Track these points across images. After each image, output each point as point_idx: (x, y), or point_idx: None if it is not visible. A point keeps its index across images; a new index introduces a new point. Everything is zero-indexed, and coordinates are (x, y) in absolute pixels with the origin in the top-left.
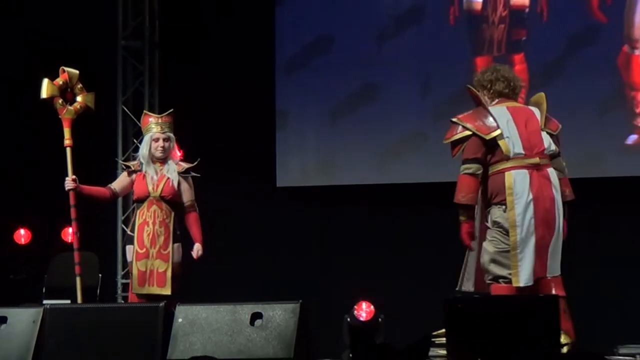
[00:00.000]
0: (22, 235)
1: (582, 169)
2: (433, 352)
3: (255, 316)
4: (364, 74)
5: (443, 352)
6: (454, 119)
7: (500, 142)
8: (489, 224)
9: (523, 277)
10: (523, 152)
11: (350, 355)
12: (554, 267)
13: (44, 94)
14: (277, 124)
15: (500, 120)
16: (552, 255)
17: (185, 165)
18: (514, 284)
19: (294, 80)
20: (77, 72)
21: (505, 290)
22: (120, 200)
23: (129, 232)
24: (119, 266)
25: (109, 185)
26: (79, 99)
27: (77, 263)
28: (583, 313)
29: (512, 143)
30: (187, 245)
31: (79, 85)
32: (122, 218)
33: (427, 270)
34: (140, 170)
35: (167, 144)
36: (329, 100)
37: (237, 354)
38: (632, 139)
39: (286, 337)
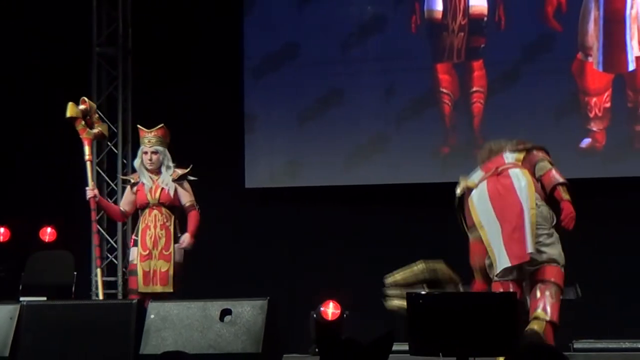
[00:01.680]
0: (1, 233)
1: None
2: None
3: (225, 312)
4: (329, 79)
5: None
6: None
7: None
8: None
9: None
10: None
11: (316, 350)
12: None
13: (68, 113)
14: (245, 127)
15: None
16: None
17: (179, 172)
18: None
19: (262, 85)
20: (94, 105)
21: (498, 286)
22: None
23: (133, 237)
24: (94, 264)
25: (119, 205)
26: (97, 127)
27: (98, 257)
28: None
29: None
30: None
31: (96, 116)
32: (97, 218)
33: (391, 268)
34: (140, 181)
35: (154, 157)
36: (296, 105)
37: (208, 348)
38: (585, 142)
39: (254, 332)
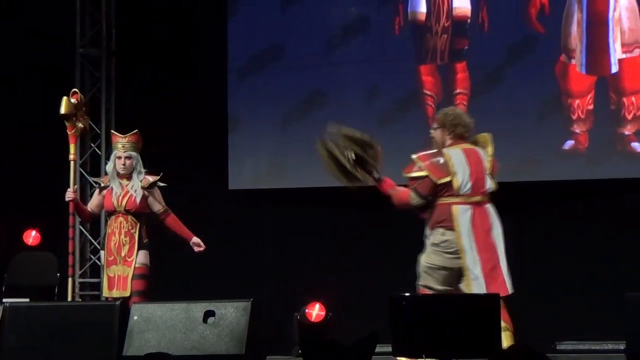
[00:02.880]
0: None
1: (521, 173)
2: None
3: (208, 314)
4: (313, 80)
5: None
6: (414, 157)
7: (454, 181)
8: (429, 242)
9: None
10: (470, 191)
11: (299, 351)
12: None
13: (64, 110)
14: (229, 129)
15: (456, 161)
16: (507, 274)
17: (150, 179)
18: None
19: (246, 86)
20: (83, 97)
21: None
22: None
23: (98, 241)
24: (77, 266)
25: (87, 206)
26: (82, 122)
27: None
28: (523, 311)
29: (463, 183)
30: (158, 251)
31: (84, 109)
32: (79, 220)
33: (375, 269)
34: (109, 186)
35: (128, 162)
36: (280, 106)
37: (191, 350)
38: (568, 144)
39: (238, 334)
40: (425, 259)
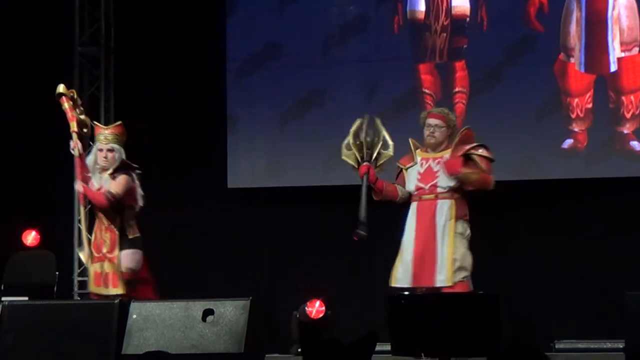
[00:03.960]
0: None
1: (519, 172)
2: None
3: (207, 312)
4: (311, 80)
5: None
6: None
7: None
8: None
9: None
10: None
11: (299, 350)
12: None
13: (60, 90)
14: (228, 128)
15: None
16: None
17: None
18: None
19: (244, 85)
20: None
21: None
22: (76, 201)
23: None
24: (76, 264)
25: None
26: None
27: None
28: (521, 310)
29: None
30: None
31: (81, 109)
32: (79, 218)
33: (373, 268)
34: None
35: (110, 155)
36: (278, 105)
37: (190, 348)
38: (567, 143)
39: (237, 332)
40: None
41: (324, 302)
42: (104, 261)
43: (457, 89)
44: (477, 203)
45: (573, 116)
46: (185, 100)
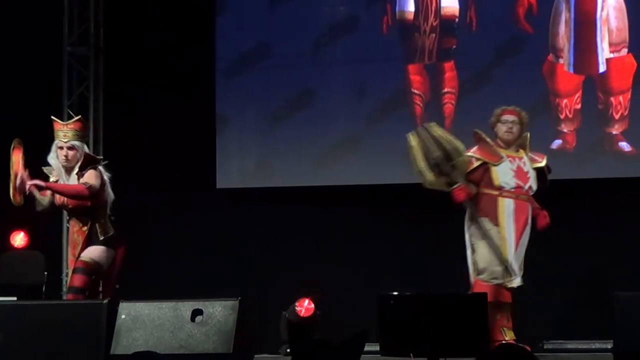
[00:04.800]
0: None
1: None
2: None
3: (196, 312)
4: (300, 80)
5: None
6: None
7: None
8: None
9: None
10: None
11: (288, 350)
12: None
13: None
14: (217, 128)
15: None
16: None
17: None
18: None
19: (234, 85)
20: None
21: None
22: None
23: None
24: (64, 265)
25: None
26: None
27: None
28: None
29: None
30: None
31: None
32: (67, 219)
33: (362, 268)
34: (59, 180)
35: (71, 153)
36: (268, 105)
37: (179, 349)
38: (556, 143)
39: (226, 332)
40: None
41: (313, 301)
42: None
43: (446, 90)
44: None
45: (562, 117)
46: (174, 100)
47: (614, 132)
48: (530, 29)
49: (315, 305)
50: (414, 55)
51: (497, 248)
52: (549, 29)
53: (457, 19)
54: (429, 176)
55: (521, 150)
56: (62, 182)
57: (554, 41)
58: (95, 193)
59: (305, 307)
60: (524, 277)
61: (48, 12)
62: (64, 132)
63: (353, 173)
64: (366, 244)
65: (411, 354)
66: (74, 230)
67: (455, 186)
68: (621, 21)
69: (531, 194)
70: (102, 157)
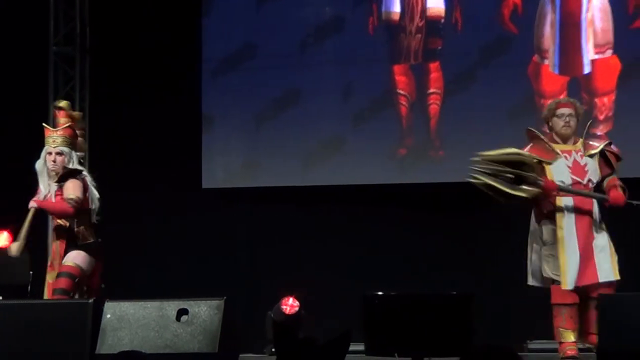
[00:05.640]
0: None
1: None
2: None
3: (181, 312)
4: (286, 80)
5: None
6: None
7: None
8: None
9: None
10: None
11: (273, 349)
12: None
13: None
14: (203, 128)
15: None
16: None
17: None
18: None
19: (220, 85)
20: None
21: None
22: None
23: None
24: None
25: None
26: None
27: None
28: (494, 310)
29: None
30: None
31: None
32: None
33: (348, 268)
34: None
35: (59, 158)
36: (254, 105)
37: (164, 348)
38: None
39: (211, 332)
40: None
41: (297, 299)
42: (54, 270)
43: (431, 90)
44: (452, 204)
45: None
46: (161, 100)
47: (599, 133)
48: (516, 30)
49: (300, 304)
50: (400, 55)
51: (558, 250)
52: (534, 30)
53: (442, 20)
54: (522, 192)
55: (579, 142)
56: (41, 187)
57: (539, 42)
58: (79, 204)
59: (290, 304)
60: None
61: (34, 12)
62: (54, 138)
63: (339, 173)
64: (352, 244)
65: (396, 354)
66: (55, 236)
67: (540, 185)
68: (606, 22)
69: (591, 186)
70: (82, 168)
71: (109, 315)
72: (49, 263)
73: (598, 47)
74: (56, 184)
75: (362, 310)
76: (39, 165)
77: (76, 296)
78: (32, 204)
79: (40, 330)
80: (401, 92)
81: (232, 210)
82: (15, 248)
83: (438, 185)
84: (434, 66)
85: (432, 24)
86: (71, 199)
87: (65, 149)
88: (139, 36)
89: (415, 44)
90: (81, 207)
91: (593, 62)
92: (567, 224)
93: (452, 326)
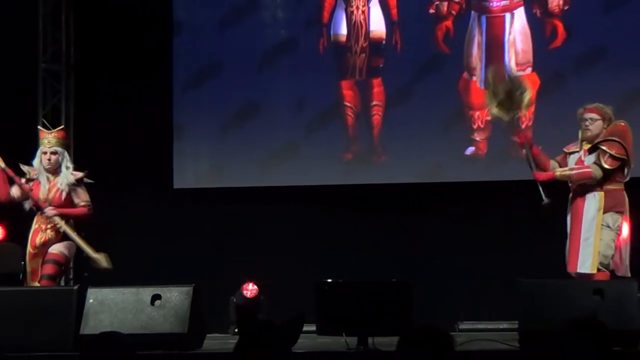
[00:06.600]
0: None
1: (429, 175)
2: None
3: (155, 297)
4: (247, 93)
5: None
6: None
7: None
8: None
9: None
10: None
11: (236, 330)
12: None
13: None
14: (174, 136)
15: None
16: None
17: (78, 174)
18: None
19: (189, 98)
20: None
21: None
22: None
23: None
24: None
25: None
26: None
27: None
28: (428, 295)
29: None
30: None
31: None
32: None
33: (301, 258)
34: (36, 179)
35: (53, 157)
36: (219, 116)
37: (140, 329)
38: (470, 150)
39: (181, 314)
40: None
41: (256, 284)
42: (39, 257)
43: (374, 103)
44: (393, 202)
45: (475, 127)
46: (136, 111)
47: (519, 141)
48: (448, 50)
49: (259, 289)
50: (347, 72)
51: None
52: (464, 51)
53: (384, 41)
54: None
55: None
56: (38, 180)
57: (468, 61)
58: (91, 205)
59: (250, 289)
60: (599, 263)
61: (25, 33)
62: (48, 139)
63: (293, 175)
64: (305, 236)
65: (343, 333)
66: (48, 226)
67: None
68: (526, 44)
69: (590, 182)
70: (85, 172)
71: (91, 300)
72: (33, 251)
73: (519, 65)
74: (62, 178)
75: (314, 295)
76: (35, 163)
77: (62, 282)
78: (53, 212)
79: (31, 314)
80: (348, 104)
81: (200, 207)
82: (104, 262)
83: (379, 186)
84: (376, 82)
85: (375, 45)
86: (88, 204)
87: (59, 149)
88: (118, 55)
89: (360, 62)
90: (67, 205)
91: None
92: (568, 216)
93: (392, 309)
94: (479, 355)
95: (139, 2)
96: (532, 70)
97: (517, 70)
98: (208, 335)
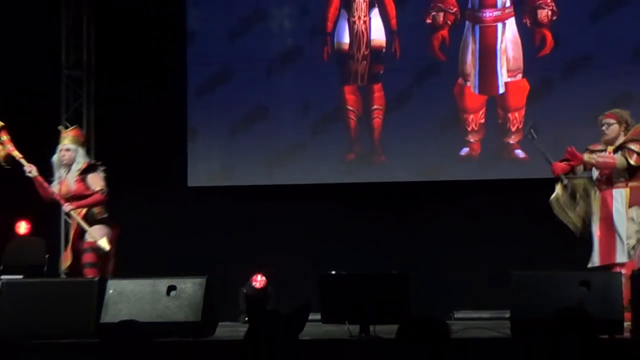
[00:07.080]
0: None
1: (426, 174)
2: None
3: (171, 288)
4: (256, 98)
5: (318, 316)
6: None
7: None
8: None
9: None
10: None
11: (246, 319)
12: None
13: None
14: (188, 138)
15: None
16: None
17: (83, 164)
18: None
19: (202, 103)
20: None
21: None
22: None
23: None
24: (62, 248)
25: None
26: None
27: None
28: (427, 286)
29: None
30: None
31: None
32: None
33: (307, 251)
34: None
35: (67, 154)
36: (230, 119)
37: (156, 317)
38: (464, 151)
39: (195, 304)
40: None
41: (265, 275)
42: (75, 248)
43: (375, 107)
44: (392, 200)
45: (469, 129)
46: (153, 114)
47: (511, 142)
48: (444, 57)
49: (267, 280)
50: (349, 78)
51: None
52: (459, 58)
53: (384, 49)
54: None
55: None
56: (56, 175)
57: (463, 68)
58: (106, 191)
59: (259, 280)
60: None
61: (49, 42)
62: (64, 137)
63: (299, 174)
64: (311, 231)
65: (346, 322)
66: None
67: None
68: (517, 52)
69: (616, 180)
70: (99, 162)
71: (111, 291)
72: (69, 243)
73: (510, 72)
74: (72, 171)
75: (319, 286)
76: (54, 158)
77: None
78: (69, 207)
79: (55, 304)
80: (350, 108)
81: (212, 204)
82: (103, 243)
83: (380, 185)
84: (377, 87)
85: (375, 53)
86: (101, 189)
87: (72, 146)
88: (136, 62)
89: (361, 69)
90: (81, 192)
91: (506, 84)
92: (595, 214)
93: (392, 299)
94: (473, 343)
95: (156, 14)
96: (523, 77)
97: (509, 77)
98: (220, 323)
